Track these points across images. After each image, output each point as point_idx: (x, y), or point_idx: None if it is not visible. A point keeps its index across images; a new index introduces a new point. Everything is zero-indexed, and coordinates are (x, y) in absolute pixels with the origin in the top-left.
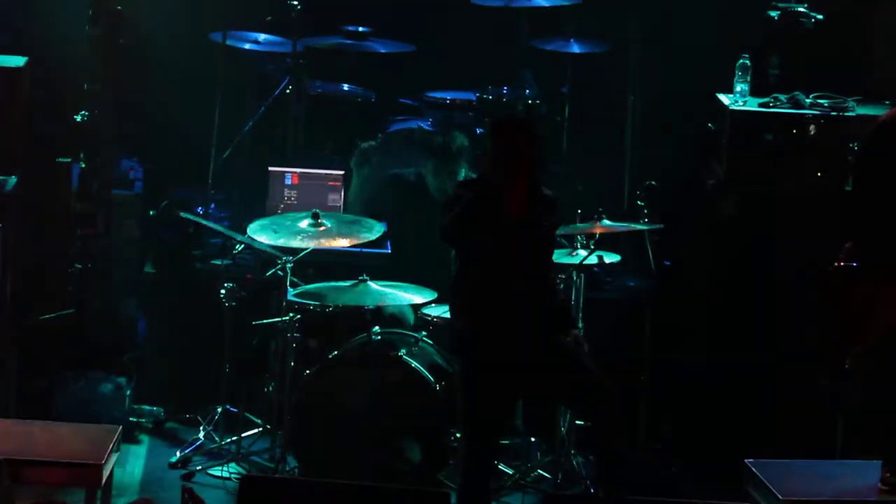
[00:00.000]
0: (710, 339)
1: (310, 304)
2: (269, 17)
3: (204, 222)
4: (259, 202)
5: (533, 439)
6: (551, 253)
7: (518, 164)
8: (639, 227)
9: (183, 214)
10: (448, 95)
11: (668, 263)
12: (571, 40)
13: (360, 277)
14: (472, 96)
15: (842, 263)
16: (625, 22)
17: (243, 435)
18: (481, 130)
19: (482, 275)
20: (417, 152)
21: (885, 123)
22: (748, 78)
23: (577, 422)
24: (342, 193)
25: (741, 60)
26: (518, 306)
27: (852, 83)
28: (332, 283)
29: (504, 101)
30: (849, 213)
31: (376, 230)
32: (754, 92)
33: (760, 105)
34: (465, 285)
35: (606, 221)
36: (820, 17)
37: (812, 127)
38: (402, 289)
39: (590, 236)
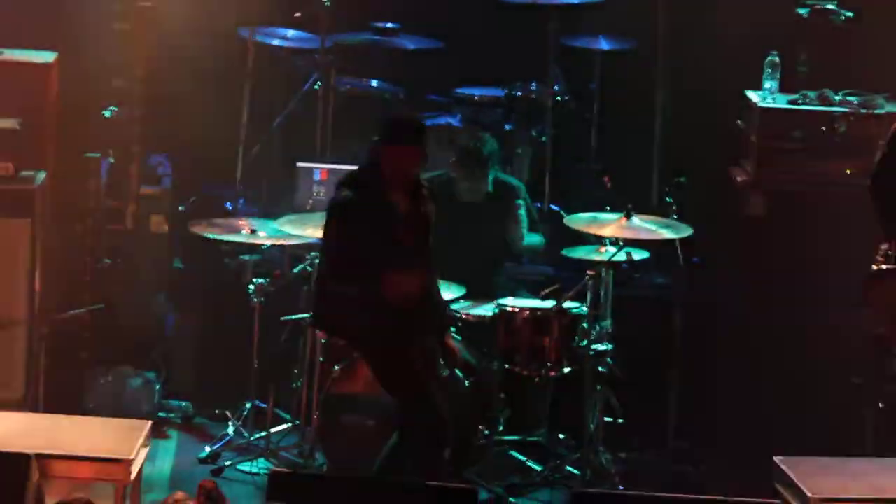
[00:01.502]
0: (739, 336)
1: None
2: (298, 14)
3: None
4: (287, 198)
5: (561, 436)
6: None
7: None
8: (668, 234)
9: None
10: (477, 92)
11: (696, 260)
12: (600, 37)
13: None
14: (500, 93)
15: (881, 265)
16: (653, 18)
17: (272, 430)
18: (510, 127)
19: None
20: (446, 150)
21: None
22: (777, 75)
23: (606, 418)
24: None
25: (770, 57)
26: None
27: (882, 80)
28: None
29: (532, 98)
30: (878, 213)
31: None
32: (783, 89)
33: (789, 102)
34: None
35: (636, 219)
36: (850, 13)
37: (841, 124)
38: None
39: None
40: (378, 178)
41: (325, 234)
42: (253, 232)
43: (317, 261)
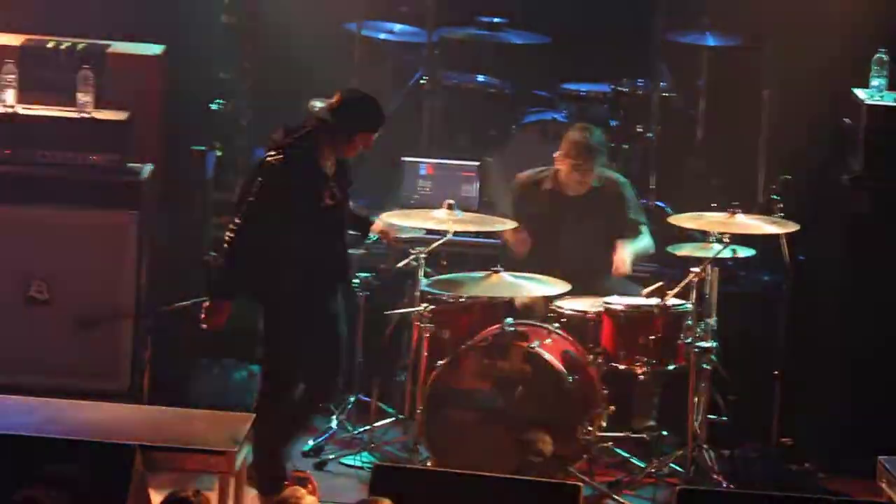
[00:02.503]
0: (844, 334)
1: (443, 295)
2: (405, 8)
3: None
4: (393, 192)
5: (665, 433)
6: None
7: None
8: (773, 229)
9: None
10: (583, 88)
11: (802, 258)
12: (707, 33)
13: (494, 268)
14: (606, 88)
15: None
16: (761, 15)
17: (376, 424)
18: (616, 123)
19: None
20: (551, 144)
21: None
22: (885, 72)
23: (710, 416)
24: (476, 185)
25: (878, 55)
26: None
27: None
28: (466, 274)
29: (638, 94)
30: None
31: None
32: (891, 87)
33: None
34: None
35: (741, 216)
36: None
37: None
38: (535, 281)
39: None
40: (311, 145)
41: (255, 190)
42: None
43: (422, 256)
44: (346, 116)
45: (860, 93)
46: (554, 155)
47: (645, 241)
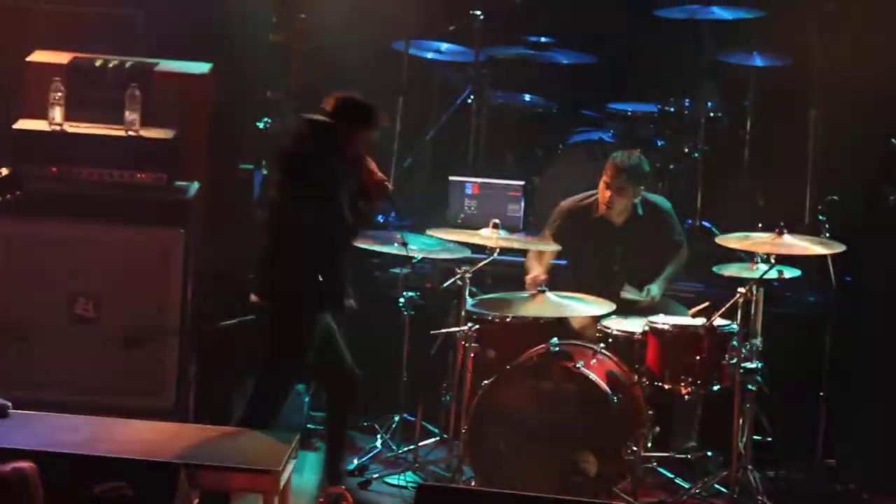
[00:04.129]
0: (888, 355)
1: (488, 315)
2: (453, 27)
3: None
4: (439, 211)
5: (710, 453)
6: None
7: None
8: (820, 250)
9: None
10: (629, 107)
11: (849, 279)
12: (754, 53)
13: (540, 288)
14: (653, 108)
15: None
16: (809, 35)
17: (420, 444)
18: (662, 142)
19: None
20: (599, 164)
21: None
22: None
23: (755, 436)
24: (522, 204)
25: None
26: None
27: None
28: (511, 294)
29: (685, 114)
30: None
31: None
32: None
33: None
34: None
35: (788, 237)
36: None
37: None
38: (581, 301)
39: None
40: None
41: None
42: (405, 245)
43: (468, 275)
44: (343, 117)
45: None
46: (601, 179)
47: (681, 261)
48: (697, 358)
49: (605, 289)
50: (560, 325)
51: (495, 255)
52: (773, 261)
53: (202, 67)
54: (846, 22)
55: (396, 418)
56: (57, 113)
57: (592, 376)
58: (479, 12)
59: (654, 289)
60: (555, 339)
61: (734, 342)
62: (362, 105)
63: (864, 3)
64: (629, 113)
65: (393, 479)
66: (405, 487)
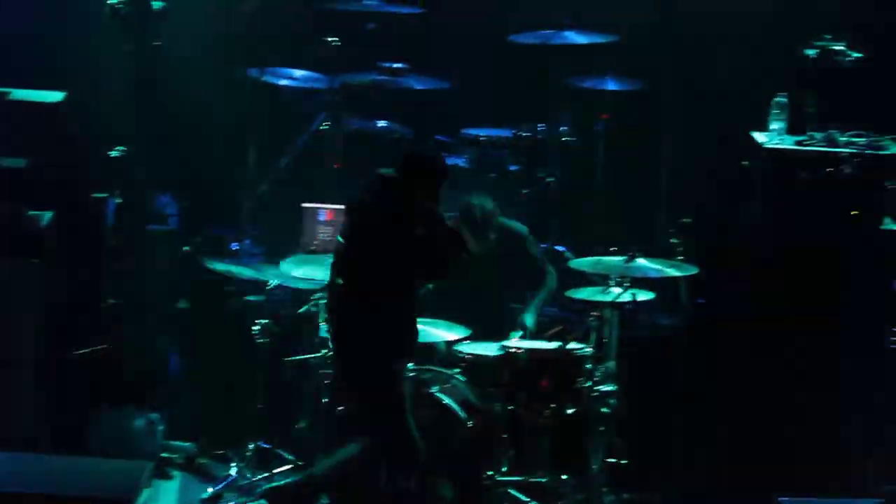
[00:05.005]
0: (742, 376)
1: None
2: (307, 54)
3: (229, 269)
4: (294, 239)
5: (565, 477)
6: None
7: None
8: (674, 272)
9: (209, 265)
10: (483, 132)
11: (701, 301)
12: (607, 78)
13: None
14: (507, 133)
15: None
16: (660, 60)
17: (275, 471)
18: (516, 167)
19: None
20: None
21: None
22: (784, 116)
23: (609, 459)
24: None
25: (777, 98)
26: None
27: (891, 121)
28: None
29: (539, 139)
30: None
31: None
32: (790, 130)
33: (796, 143)
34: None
35: (641, 260)
36: (858, 55)
37: (847, 165)
38: (436, 325)
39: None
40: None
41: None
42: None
43: (321, 302)
44: (404, 171)
45: (759, 136)
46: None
47: (551, 285)
48: (552, 382)
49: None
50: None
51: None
52: (626, 284)
53: (55, 96)
54: (699, 46)
55: (251, 446)
56: None
57: (447, 401)
58: (333, 39)
59: (528, 320)
60: (410, 365)
61: (588, 365)
62: (420, 156)
63: (718, 28)
64: (483, 138)
65: None
66: None
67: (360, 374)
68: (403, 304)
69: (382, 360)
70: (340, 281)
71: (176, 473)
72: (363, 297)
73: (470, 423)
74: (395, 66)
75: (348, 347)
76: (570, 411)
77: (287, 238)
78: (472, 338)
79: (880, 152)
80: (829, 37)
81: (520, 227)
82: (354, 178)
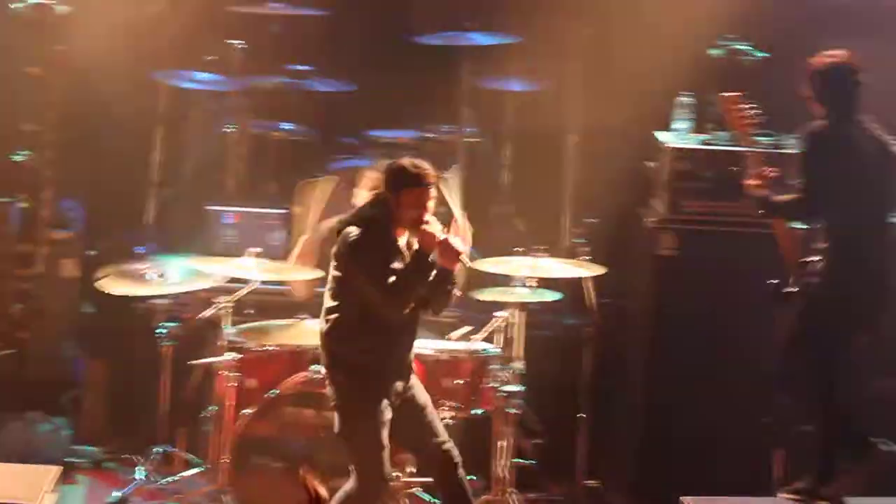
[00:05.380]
0: (650, 376)
1: (248, 344)
2: (212, 57)
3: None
4: (199, 241)
5: (471, 477)
6: None
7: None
8: (580, 272)
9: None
10: (389, 134)
11: (607, 301)
12: (512, 79)
13: (299, 316)
14: (412, 134)
15: None
16: (565, 60)
17: (182, 475)
18: None
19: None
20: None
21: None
22: (688, 115)
23: (516, 459)
24: (282, 233)
25: (681, 98)
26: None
27: (794, 120)
28: (271, 322)
29: (444, 140)
30: None
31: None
32: (694, 129)
33: (700, 143)
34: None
35: (547, 261)
36: (762, 54)
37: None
38: None
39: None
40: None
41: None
42: (161, 276)
43: (228, 304)
44: (388, 182)
45: (663, 135)
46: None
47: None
48: (458, 382)
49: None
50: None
51: (256, 283)
52: (532, 284)
53: None
54: (602, 47)
55: (158, 450)
56: None
57: None
58: (238, 42)
59: None
60: (315, 367)
61: (494, 366)
62: (401, 166)
63: (621, 28)
64: (389, 139)
65: None
66: None
67: None
68: None
69: None
70: None
71: (82, 478)
72: None
73: None
74: (300, 68)
75: None
76: (476, 412)
77: (193, 241)
78: None
79: (784, 151)
80: (732, 36)
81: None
82: (259, 182)
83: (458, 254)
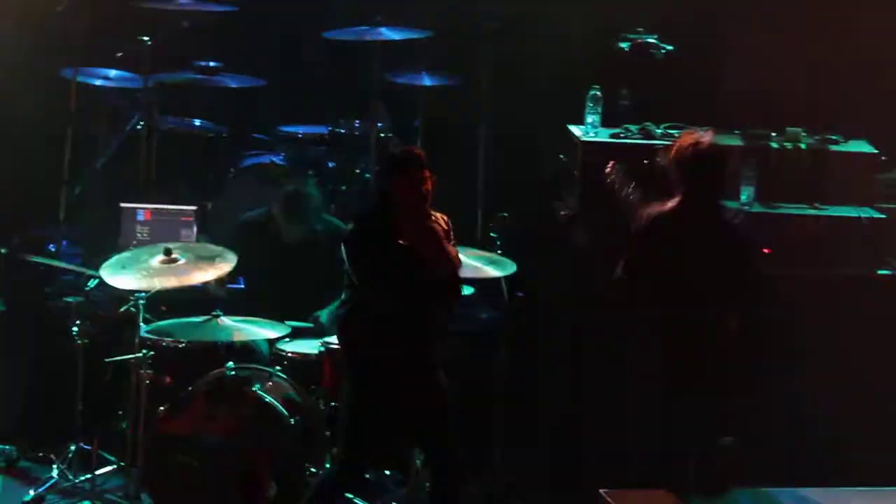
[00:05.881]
0: (563, 369)
1: (163, 341)
2: (120, 53)
3: (53, 262)
4: (112, 238)
5: (388, 472)
6: None
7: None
8: (492, 270)
9: (32, 258)
10: (300, 129)
11: (521, 294)
12: (423, 73)
13: (214, 313)
14: (324, 130)
15: None
16: (476, 55)
17: (97, 473)
18: (334, 164)
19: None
20: (270, 189)
21: None
22: (599, 109)
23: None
24: (195, 229)
25: (592, 92)
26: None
27: (703, 113)
28: (186, 319)
29: (356, 135)
30: None
31: (230, 259)
32: (606, 123)
33: (611, 136)
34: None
35: (461, 256)
36: (670, 47)
37: (663, 157)
38: (256, 324)
39: None
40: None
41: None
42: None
43: (141, 302)
44: (382, 174)
45: (575, 129)
46: (274, 204)
47: None
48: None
49: (284, 309)
50: (240, 349)
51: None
52: None
53: None
54: (512, 39)
55: (73, 448)
56: None
57: (269, 399)
58: (146, 38)
59: (323, 316)
60: (230, 364)
61: None
62: (388, 156)
63: (528, 20)
64: (300, 135)
65: None
66: None
67: None
68: None
69: None
70: None
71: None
72: None
73: (292, 421)
74: (210, 64)
75: None
76: None
77: (105, 238)
78: (293, 335)
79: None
80: (640, 30)
81: (338, 223)
82: (170, 178)
83: (450, 256)
